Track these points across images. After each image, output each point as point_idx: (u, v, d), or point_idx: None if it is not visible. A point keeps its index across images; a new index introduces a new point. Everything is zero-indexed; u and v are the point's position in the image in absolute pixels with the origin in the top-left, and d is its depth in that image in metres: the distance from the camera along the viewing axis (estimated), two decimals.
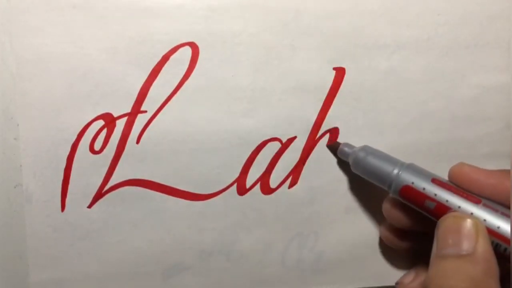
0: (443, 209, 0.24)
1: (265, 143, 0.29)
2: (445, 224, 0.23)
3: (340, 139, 0.30)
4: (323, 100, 0.29)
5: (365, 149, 0.28)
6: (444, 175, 0.31)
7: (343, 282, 0.31)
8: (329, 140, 0.30)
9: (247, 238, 0.30)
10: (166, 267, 0.30)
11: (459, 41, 0.30)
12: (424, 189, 0.25)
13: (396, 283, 0.30)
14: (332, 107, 0.30)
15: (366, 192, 0.30)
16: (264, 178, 0.30)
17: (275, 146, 0.29)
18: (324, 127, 0.30)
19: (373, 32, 0.29)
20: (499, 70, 0.30)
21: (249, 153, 0.29)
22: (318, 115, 0.30)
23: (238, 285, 0.30)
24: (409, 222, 0.27)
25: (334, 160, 0.30)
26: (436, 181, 0.25)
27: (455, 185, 0.25)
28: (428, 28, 0.30)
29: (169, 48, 0.28)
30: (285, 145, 0.29)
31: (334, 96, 0.29)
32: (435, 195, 0.25)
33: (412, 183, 0.25)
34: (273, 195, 0.30)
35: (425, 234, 0.27)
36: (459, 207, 0.24)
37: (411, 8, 0.29)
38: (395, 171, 0.26)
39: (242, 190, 0.30)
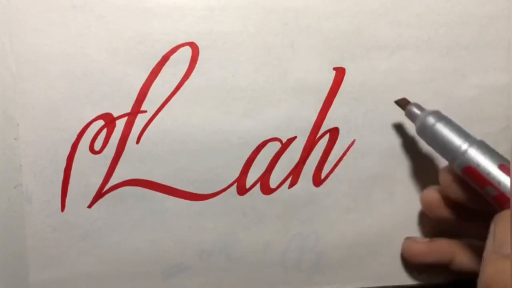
0: (504, 199, 0.23)
1: (265, 143, 0.29)
2: (507, 219, 0.22)
3: (340, 139, 0.30)
4: (323, 100, 0.29)
5: (437, 114, 0.26)
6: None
7: (343, 282, 0.31)
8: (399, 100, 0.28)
9: (247, 238, 0.30)
10: (166, 267, 0.30)
11: (459, 41, 0.30)
12: (488, 174, 0.24)
13: (406, 238, 0.30)
14: (332, 107, 0.30)
15: (366, 192, 0.30)
16: (264, 178, 0.30)
17: (275, 146, 0.29)
18: (324, 127, 0.30)
19: (373, 32, 0.29)
20: (499, 70, 0.30)
21: (249, 153, 0.29)
22: (318, 115, 0.30)
23: (238, 285, 0.30)
24: (465, 197, 0.26)
25: (333, 160, 0.30)
26: (503, 167, 0.24)
27: None
28: (428, 28, 0.30)
29: (169, 48, 0.28)
30: (285, 145, 0.30)
31: (334, 96, 0.29)
32: (499, 183, 0.23)
33: (478, 165, 0.24)
34: (273, 195, 0.30)
35: (474, 210, 0.26)
36: None
37: (411, 8, 0.29)
38: (463, 147, 0.25)
39: (242, 190, 0.30)
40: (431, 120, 0.26)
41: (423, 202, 0.29)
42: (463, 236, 0.29)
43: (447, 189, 0.27)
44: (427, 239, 0.30)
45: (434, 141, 0.26)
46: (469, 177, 0.25)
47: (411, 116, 0.27)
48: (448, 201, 0.28)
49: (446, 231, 0.30)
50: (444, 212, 0.28)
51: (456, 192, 0.26)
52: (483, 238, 0.23)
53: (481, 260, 0.22)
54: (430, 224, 0.31)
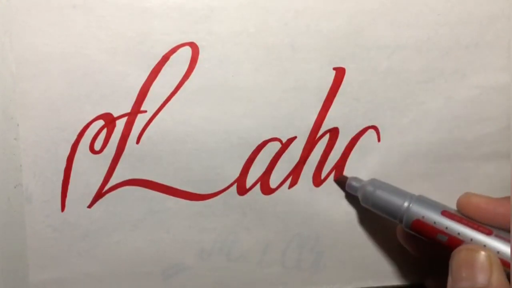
0: (455, 241, 0.24)
1: (265, 143, 0.29)
2: (458, 257, 0.23)
3: (340, 139, 0.30)
4: (323, 100, 0.29)
5: (373, 183, 0.28)
6: (444, 176, 0.31)
7: (343, 282, 0.31)
8: (335, 174, 0.30)
9: (247, 238, 0.30)
10: (166, 267, 0.30)
11: (459, 41, 0.30)
12: (435, 222, 0.25)
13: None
14: (332, 107, 0.30)
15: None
16: (264, 178, 0.30)
17: (275, 146, 0.29)
18: (324, 127, 0.30)
19: (373, 32, 0.29)
20: (499, 70, 0.30)
21: (249, 153, 0.29)
22: (318, 115, 0.30)
23: (238, 285, 0.30)
24: (423, 251, 0.28)
25: (334, 160, 0.30)
26: (446, 213, 0.25)
27: (465, 216, 0.25)
28: (428, 28, 0.29)
29: (169, 48, 0.28)
30: (285, 145, 0.29)
31: (334, 96, 0.29)
32: (446, 228, 0.25)
33: (423, 217, 0.25)
34: (273, 195, 0.30)
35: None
36: (471, 239, 0.24)
37: (411, 8, 0.29)
38: (405, 205, 0.26)
39: (242, 190, 0.30)
40: (369, 189, 0.28)
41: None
42: None
43: (407, 247, 0.29)
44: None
45: (379, 207, 0.27)
46: (419, 231, 0.26)
47: (352, 190, 0.29)
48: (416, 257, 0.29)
49: None
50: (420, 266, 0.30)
51: (414, 249, 0.28)
52: None
53: None
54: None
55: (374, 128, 0.30)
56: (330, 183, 0.30)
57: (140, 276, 0.30)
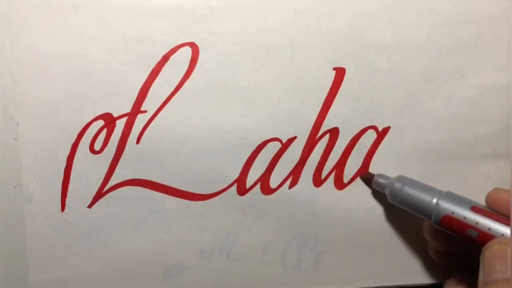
0: (486, 236, 0.24)
1: (265, 143, 0.29)
2: (492, 250, 0.23)
3: (340, 139, 0.30)
4: (323, 100, 0.29)
5: (401, 179, 0.28)
6: (445, 175, 0.31)
7: (343, 282, 0.31)
8: (360, 170, 0.30)
9: (247, 238, 0.30)
10: (166, 267, 0.30)
11: (459, 41, 0.30)
12: (464, 218, 0.25)
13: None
14: (332, 107, 0.30)
15: (366, 192, 0.30)
16: (264, 178, 0.30)
17: (275, 146, 0.29)
18: (324, 127, 0.30)
19: (373, 32, 0.29)
20: (499, 70, 0.30)
21: (249, 153, 0.29)
22: (318, 115, 0.30)
23: (238, 285, 0.30)
24: (452, 247, 0.28)
25: (334, 160, 0.30)
26: (476, 209, 0.25)
27: (494, 211, 0.25)
28: (428, 28, 0.29)
29: (169, 48, 0.28)
30: (285, 145, 0.29)
31: (334, 96, 0.29)
32: (477, 223, 0.25)
33: (452, 212, 0.26)
34: (273, 195, 0.30)
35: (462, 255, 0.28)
36: (503, 234, 0.24)
37: (411, 8, 0.29)
38: (434, 201, 0.26)
39: (242, 190, 0.30)
40: (397, 185, 0.28)
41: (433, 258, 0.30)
42: None
43: (434, 244, 0.29)
44: None
45: (407, 204, 0.28)
46: (448, 227, 0.26)
47: (379, 187, 0.29)
48: (443, 254, 0.29)
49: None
50: (447, 264, 0.29)
51: (442, 245, 0.28)
52: None
53: None
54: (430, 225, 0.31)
55: (374, 128, 0.30)
56: (330, 183, 0.30)
57: (140, 276, 0.30)
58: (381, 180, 0.29)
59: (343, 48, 0.29)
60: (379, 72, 0.30)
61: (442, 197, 0.26)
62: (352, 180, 0.30)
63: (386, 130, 0.30)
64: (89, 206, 0.29)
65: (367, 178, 0.30)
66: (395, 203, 0.28)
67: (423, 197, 0.27)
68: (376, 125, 0.30)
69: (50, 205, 0.28)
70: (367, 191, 0.30)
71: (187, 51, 0.28)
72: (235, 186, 0.29)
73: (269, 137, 0.29)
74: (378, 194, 0.30)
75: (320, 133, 0.30)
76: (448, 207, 0.26)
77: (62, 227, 0.29)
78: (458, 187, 0.29)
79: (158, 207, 0.29)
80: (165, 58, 0.28)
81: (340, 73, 0.29)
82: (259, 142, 0.29)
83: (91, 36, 0.27)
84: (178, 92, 0.28)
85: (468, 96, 0.30)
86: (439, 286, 0.31)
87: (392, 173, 0.30)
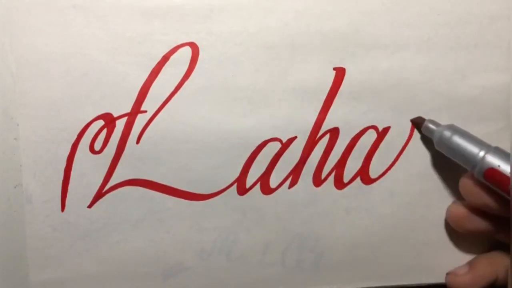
0: None
1: (265, 143, 0.29)
2: None
3: (340, 139, 0.30)
4: (323, 100, 0.29)
5: (452, 127, 0.28)
6: (444, 176, 0.31)
7: (343, 282, 0.31)
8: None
9: (247, 238, 0.30)
10: (166, 267, 0.30)
11: (459, 41, 0.30)
12: (511, 173, 0.25)
13: (447, 273, 0.30)
14: (332, 107, 0.30)
15: (366, 192, 0.30)
16: (264, 178, 0.30)
17: (275, 146, 0.29)
18: (324, 127, 0.30)
19: (373, 32, 0.29)
20: (499, 70, 0.30)
21: (249, 153, 0.29)
22: (318, 115, 0.30)
23: (238, 285, 0.30)
24: (490, 202, 0.27)
25: (334, 160, 0.30)
26: None
27: None
28: (428, 28, 0.29)
29: (169, 48, 0.28)
30: (285, 145, 0.29)
31: (334, 96, 0.29)
32: None
33: (499, 166, 0.26)
34: (273, 195, 0.30)
35: (501, 219, 0.27)
36: None
37: (411, 8, 0.29)
38: (481, 153, 0.26)
39: (242, 190, 0.30)
40: (447, 133, 0.28)
41: (451, 218, 0.29)
42: (491, 243, 0.30)
43: (470, 197, 0.28)
44: (466, 267, 0.30)
45: (454, 152, 0.28)
46: (491, 180, 0.26)
47: (428, 132, 0.29)
48: (476, 213, 0.28)
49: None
50: (473, 225, 0.28)
51: (479, 197, 0.27)
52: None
53: None
54: (430, 225, 0.31)
55: (374, 128, 0.30)
56: (330, 183, 0.30)
57: (140, 276, 0.30)
58: (431, 126, 0.29)
59: (343, 48, 0.29)
60: (379, 72, 0.30)
61: (491, 150, 0.26)
62: (352, 180, 0.30)
63: (386, 130, 0.30)
64: (89, 206, 0.29)
65: (417, 122, 0.30)
66: (442, 150, 0.28)
67: (471, 147, 0.27)
68: (376, 125, 0.30)
69: (50, 205, 0.28)
70: (367, 191, 0.30)
71: (187, 51, 0.28)
72: (235, 186, 0.30)
73: (269, 137, 0.29)
74: (378, 194, 0.30)
75: (320, 133, 0.30)
76: (495, 160, 0.26)
77: (62, 227, 0.29)
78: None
79: (158, 207, 0.29)
80: (165, 58, 0.28)
81: (340, 73, 0.29)
82: (259, 142, 0.29)
83: (91, 36, 0.27)
84: (178, 92, 0.28)
85: (468, 96, 0.30)
86: (439, 286, 0.31)
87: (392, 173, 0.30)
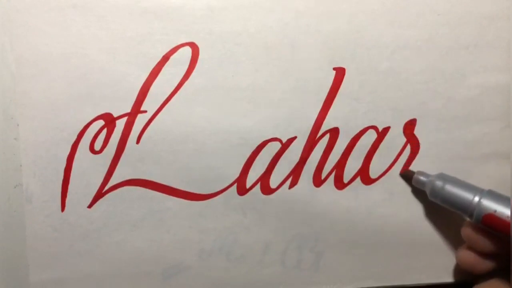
0: None
1: (265, 143, 0.29)
2: None
3: (340, 139, 0.30)
4: (323, 100, 0.29)
5: (442, 177, 0.28)
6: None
7: (343, 282, 0.31)
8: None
9: (247, 238, 0.30)
10: (166, 267, 0.30)
11: (459, 41, 0.30)
12: (508, 216, 0.25)
13: None
14: (332, 107, 0.30)
15: (366, 192, 0.30)
16: (264, 178, 0.30)
17: (275, 146, 0.29)
18: (324, 127, 0.30)
19: (373, 32, 0.29)
20: (499, 70, 0.30)
21: (249, 153, 0.29)
22: (318, 115, 0.30)
23: (238, 285, 0.30)
24: (493, 247, 0.27)
25: (334, 160, 0.30)
26: None
27: None
28: (428, 28, 0.29)
29: (169, 48, 0.28)
30: (285, 145, 0.30)
31: (334, 96, 0.29)
32: None
33: (495, 211, 0.26)
34: (273, 195, 0.30)
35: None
36: None
37: (411, 8, 0.29)
38: (476, 199, 0.26)
39: (242, 190, 0.30)
40: (439, 184, 0.28)
41: (462, 265, 0.29)
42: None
43: (474, 244, 0.28)
44: None
45: (448, 202, 0.28)
46: (491, 225, 0.26)
47: (419, 184, 0.29)
48: (484, 256, 0.28)
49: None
50: (485, 267, 0.28)
51: (483, 243, 0.27)
52: None
53: None
54: (430, 225, 0.31)
55: (374, 128, 0.30)
56: (330, 183, 0.30)
57: (140, 276, 0.30)
58: (421, 178, 0.29)
59: (343, 48, 0.29)
60: (379, 72, 0.30)
61: (484, 195, 0.26)
62: (352, 180, 0.30)
63: (386, 130, 0.30)
64: (89, 206, 0.29)
65: (407, 175, 0.30)
66: (436, 200, 0.28)
67: (465, 195, 0.27)
68: (376, 125, 0.30)
69: (50, 205, 0.28)
70: (367, 191, 0.30)
71: (187, 51, 0.28)
72: (235, 186, 0.30)
73: (269, 137, 0.29)
74: (378, 194, 0.30)
75: (320, 133, 0.30)
76: (491, 205, 0.26)
77: (62, 227, 0.29)
78: None
79: (158, 207, 0.29)
80: (165, 58, 0.28)
81: (340, 73, 0.29)
82: (259, 142, 0.29)
83: (91, 36, 0.27)
84: (178, 92, 0.28)
85: (468, 96, 0.30)
86: (439, 286, 0.31)
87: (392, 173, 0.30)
